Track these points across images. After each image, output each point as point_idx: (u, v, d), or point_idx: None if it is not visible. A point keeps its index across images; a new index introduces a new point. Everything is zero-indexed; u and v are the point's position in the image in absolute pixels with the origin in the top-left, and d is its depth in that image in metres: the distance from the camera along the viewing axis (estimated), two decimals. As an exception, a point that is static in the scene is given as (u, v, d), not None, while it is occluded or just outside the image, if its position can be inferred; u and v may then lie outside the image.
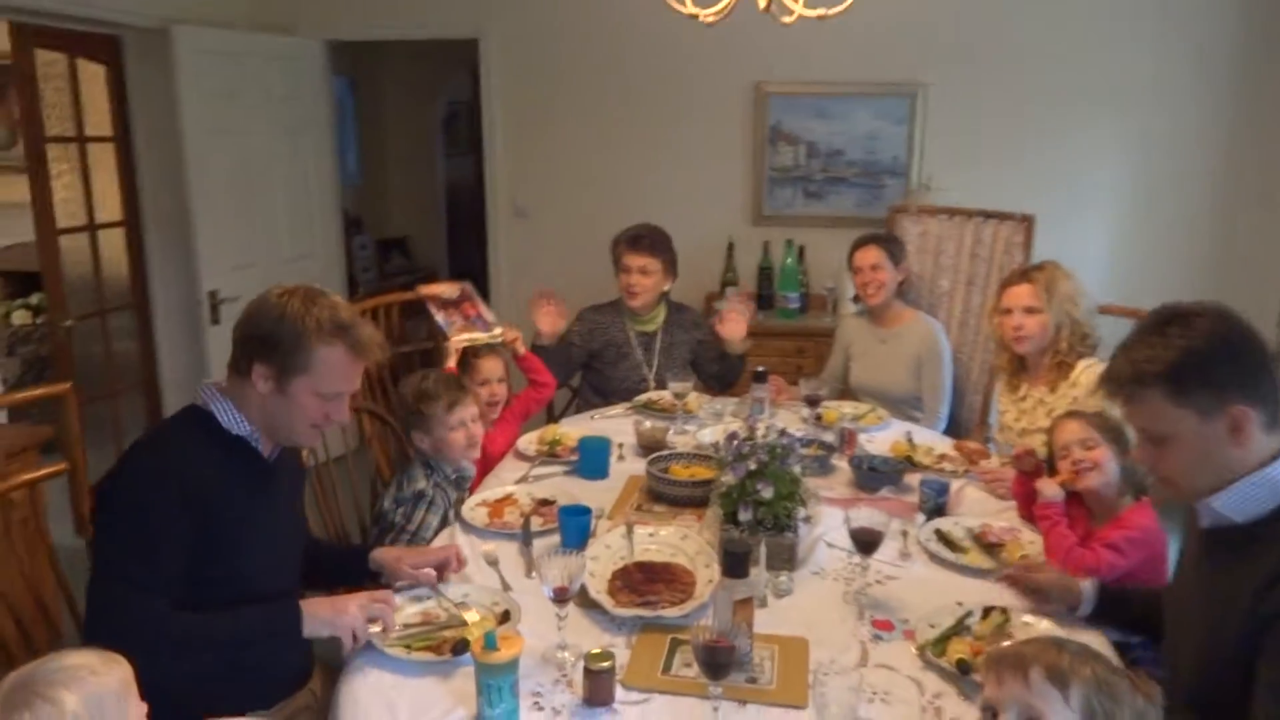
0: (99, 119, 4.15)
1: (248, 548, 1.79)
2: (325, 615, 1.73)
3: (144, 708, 1.27)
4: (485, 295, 4.76)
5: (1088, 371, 2.67)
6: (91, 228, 4.12)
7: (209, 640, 1.69)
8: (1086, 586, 1.84)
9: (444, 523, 2.41)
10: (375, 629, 1.75)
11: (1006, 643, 1.56)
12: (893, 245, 3.41)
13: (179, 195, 4.07)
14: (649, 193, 4.56)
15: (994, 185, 4.07)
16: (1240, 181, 4.21)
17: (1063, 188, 4.26)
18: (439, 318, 3.02)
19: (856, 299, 3.55)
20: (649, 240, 3.35)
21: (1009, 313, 2.80)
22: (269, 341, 1.75)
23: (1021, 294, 2.80)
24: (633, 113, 4.61)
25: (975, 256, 3.62)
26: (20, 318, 5.50)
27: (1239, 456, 1.48)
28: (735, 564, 1.73)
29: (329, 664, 1.91)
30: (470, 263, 6.17)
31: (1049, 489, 2.18)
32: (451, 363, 2.94)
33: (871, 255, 3.36)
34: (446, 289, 3.11)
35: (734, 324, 3.35)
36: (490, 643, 1.54)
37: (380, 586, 1.98)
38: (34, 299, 5.44)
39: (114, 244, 4.28)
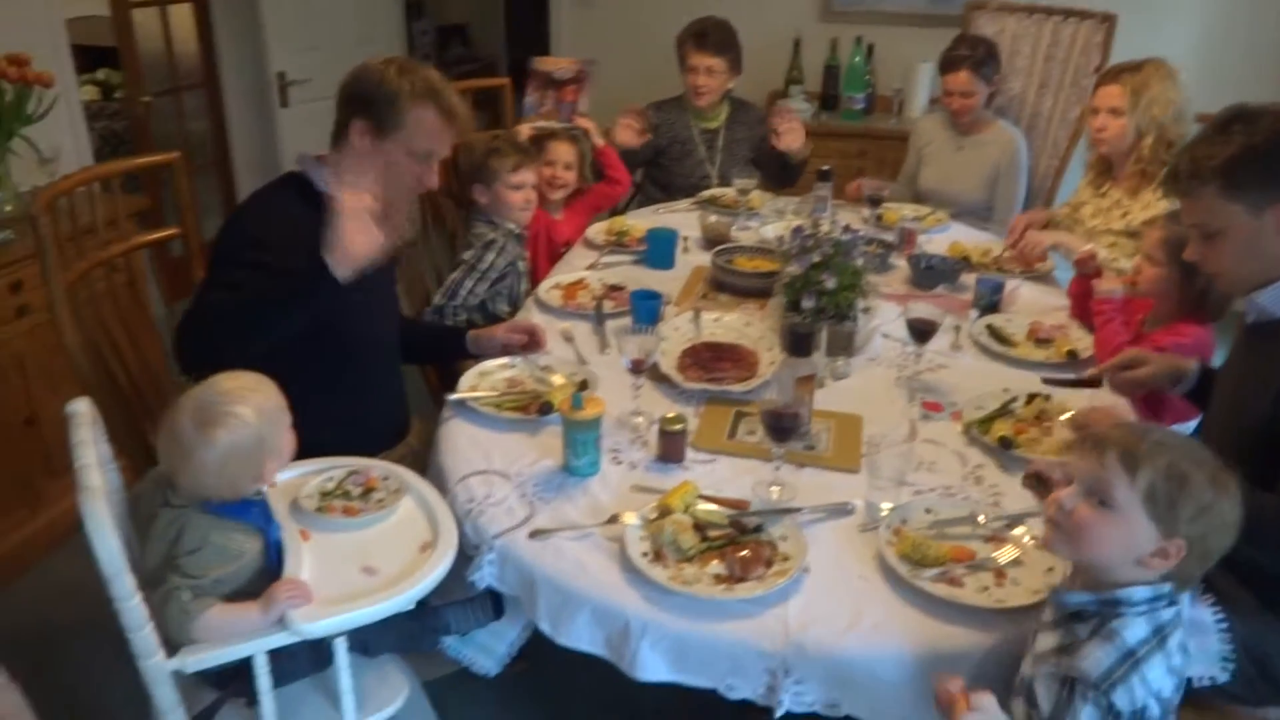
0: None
1: (349, 312, 1.90)
2: (331, 235, 1.71)
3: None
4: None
5: None
6: (162, 1, 4.13)
7: (256, 299, 1.73)
8: (1194, 365, 1.89)
9: (511, 267, 2.60)
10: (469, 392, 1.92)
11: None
12: (986, 66, 3.24)
13: (245, -31, 4.05)
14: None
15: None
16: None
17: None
18: (529, 98, 3.06)
19: (933, 103, 3.50)
20: (715, 38, 3.30)
21: (1096, 111, 2.78)
22: (368, 100, 1.89)
23: (1109, 94, 2.75)
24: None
25: (1050, 59, 3.54)
26: (88, 93, 5.58)
27: None
28: (799, 344, 1.88)
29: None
30: (530, 53, 6.08)
31: (1107, 284, 2.25)
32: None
33: (960, 81, 3.23)
34: (565, 64, 3.11)
35: (791, 135, 3.33)
36: (577, 402, 1.71)
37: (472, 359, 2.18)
38: (100, 74, 5.50)
39: (183, 21, 4.30)
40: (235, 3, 4.19)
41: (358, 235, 1.72)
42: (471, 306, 2.61)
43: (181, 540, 1.37)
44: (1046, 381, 2.02)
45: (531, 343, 2.17)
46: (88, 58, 5.41)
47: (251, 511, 1.45)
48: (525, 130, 3.04)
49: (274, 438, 1.43)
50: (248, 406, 1.39)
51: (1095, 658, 1.21)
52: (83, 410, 1.44)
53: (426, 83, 1.90)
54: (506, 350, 2.17)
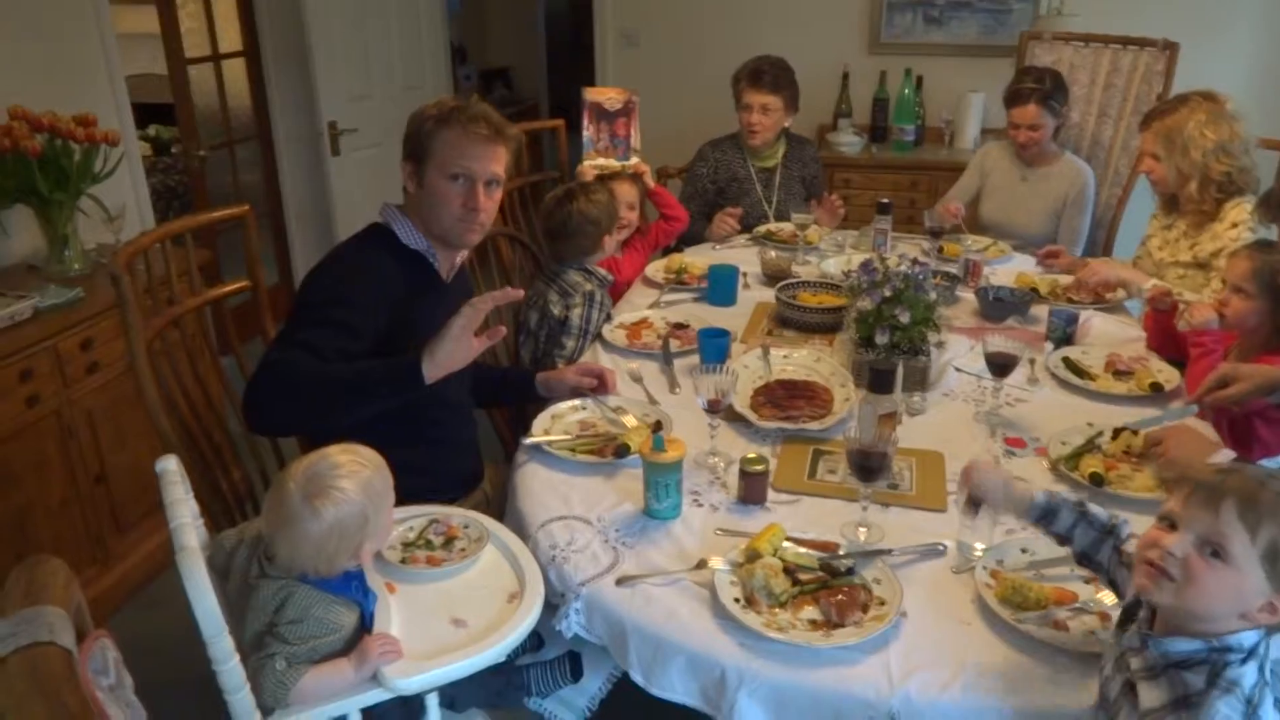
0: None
1: None
2: (439, 344, 1.72)
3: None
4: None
5: (1236, 209, 2.54)
6: (216, 58, 4.22)
7: (339, 380, 1.72)
8: None
9: (608, 320, 2.58)
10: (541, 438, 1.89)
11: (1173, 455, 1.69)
12: (1054, 98, 3.17)
13: (296, 25, 4.11)
14: (763, 18, 4.47)
15: (1129, 9, 3.87)
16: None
17: (1201, 12, 4.03)
18: (587, 132, 3.08)
19: (985, 134, 3.46)
20: (771, 76, 3.30)
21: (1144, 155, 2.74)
22: (405, 142, 1.92)
23: (1146, 140, 2.71)
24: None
25: (1110, 87, 3.49)
26: (142, 150, 5.68)
27: None
28: (881, 381, 1.84)
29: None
30: (571, 94, 6.15)
31: (1203, 314, 2.17)
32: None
33: (1029, 115, 3.17)
34: (614, 95, 3.13)
35: (829, 220, 3.34)
36: (659, 445, 1.68)
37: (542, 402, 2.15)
38: (151, 130, 5.61)
39: (235, 75, 4.39)
40: (287, 55, 4.27)
41: (461, 351, 1.72)
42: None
43: (284, 610, 1.35)
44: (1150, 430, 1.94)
45: (601, 386, 2.15)
46: (138, 115, 5.54)
47: (351, 586, 1.42)
48: (589, 171, 3.05)
49: (377, 518, 1.40)
50: (356, 483, 1.37)
51: (1224, 714, 1.13)
52: (172, 468, 1.44)
53: (449, 105, 1.91)
54: (576, 393, 2.15)
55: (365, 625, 1.42)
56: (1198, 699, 1.15)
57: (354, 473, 1.38)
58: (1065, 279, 2.85)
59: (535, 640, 1.83)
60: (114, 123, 3.18)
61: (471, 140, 1.89)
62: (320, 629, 1.35)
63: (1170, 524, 1.23)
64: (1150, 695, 1.21)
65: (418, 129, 1.91)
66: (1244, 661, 1.17)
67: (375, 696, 1.35)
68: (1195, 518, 1.19)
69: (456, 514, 1.72)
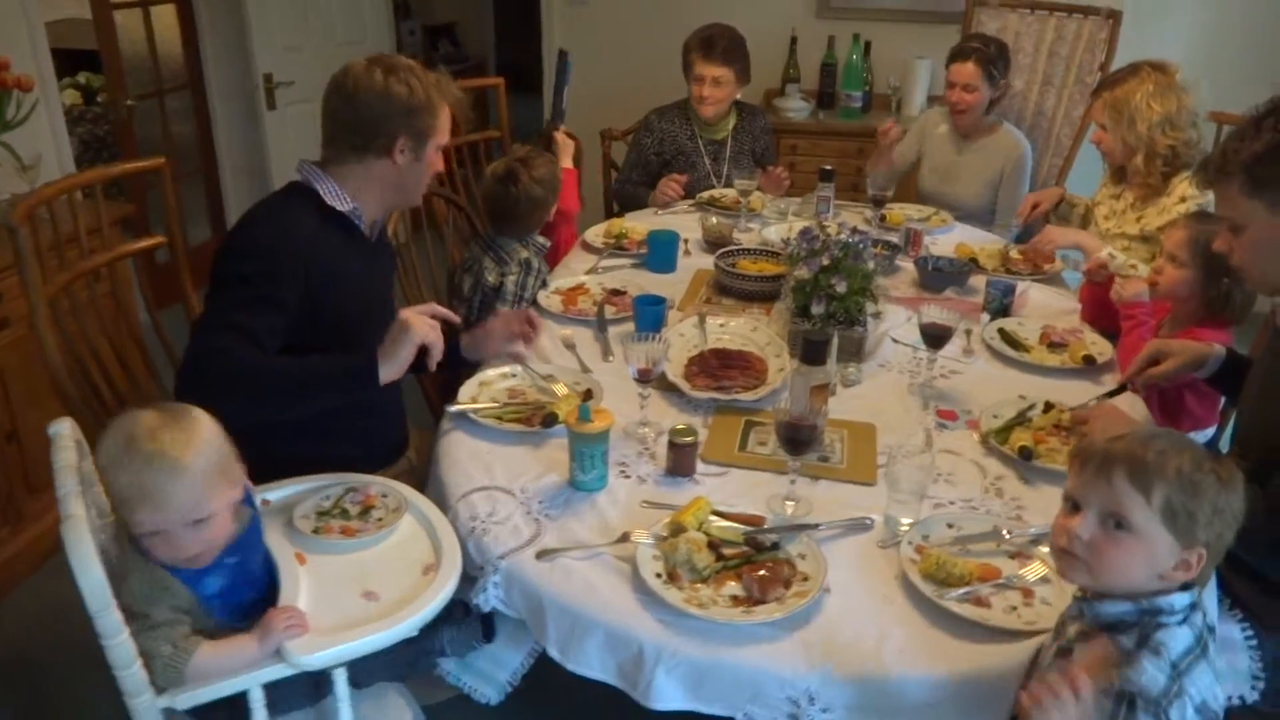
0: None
1: (348, 321, 1.86)
2: (398, 350, 1.70)
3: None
4: (538, 90, 4.68)
5: (1184, 184, 2.54)
6: (144, 3, 4.04)
7: (288, 378, 1.69)
8: (1218, 350, 1.87)
9: (543, 286, 2.53)
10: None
11: (1098, 436, 1.66)
12: (995, 64, 3.13)
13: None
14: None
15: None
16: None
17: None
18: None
19: (931, 100, 3.42)
20: (722, 47, 3.20)
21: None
22: (412, 115, 1.84)
23: (1095, 110, 2.70)
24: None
25: (1054, 55, 3.48)
26: (69, 98, 5.46)
27: None
28: (814, 352, 1.80)
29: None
30: (520, 53, 6.02)
31: (1134, 287, 2.18)
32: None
33: (966, 73, 3.12)
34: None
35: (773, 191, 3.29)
36: (584, 414, 1.64)
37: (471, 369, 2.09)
38: (81, 78, 5.38)
39: (166, 22, 4.21)
40: (220, 3, 4.11)
41: (413, 353, 1.70)
42: None
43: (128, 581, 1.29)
44: (1076, 410, 1.94)
45: (530, 329, 2.08)
46: (67, 61, 5.31)
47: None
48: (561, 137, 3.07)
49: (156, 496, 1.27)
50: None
51: (1151, 674, 1.14)
52: (65, 432, 1.36)
53: (442, 80, 1.90)
54: (507, 340, 2.06)
55: (206, 591, 1.36)
56: (1130, 659, 1.17)
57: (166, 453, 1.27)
58: (1015, 248, 2.83)
59: (461, 611, 1.79)
60: (30, 68, 3.03)
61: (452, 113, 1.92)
62: (155, 595, 1.29)
63: (1074, 504, 1.25)
64: (1083, 657, 1.22)
65: (424, 106, 1.84)
66: (1179, 624, 1.18)
67: (278, 672, 1.30)
68: (1092, 492, 1.21)
69: (375, 483, 1.67)
